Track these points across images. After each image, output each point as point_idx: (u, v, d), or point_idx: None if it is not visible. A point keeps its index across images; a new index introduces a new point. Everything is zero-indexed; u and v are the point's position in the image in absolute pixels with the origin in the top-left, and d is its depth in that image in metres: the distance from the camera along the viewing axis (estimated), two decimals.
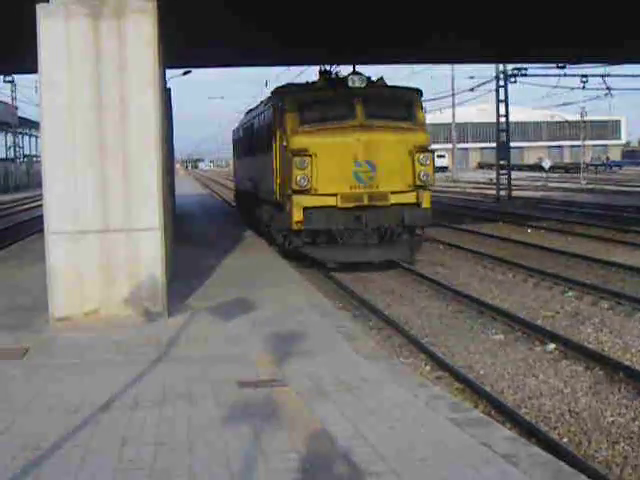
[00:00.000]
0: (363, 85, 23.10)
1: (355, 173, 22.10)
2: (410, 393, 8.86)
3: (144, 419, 8.13)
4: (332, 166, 21.82)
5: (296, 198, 21.85)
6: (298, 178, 21.68)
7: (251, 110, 35.55)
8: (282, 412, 8.21)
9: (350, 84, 22.99)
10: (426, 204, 22.68)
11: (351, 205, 22.06)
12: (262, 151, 27.59)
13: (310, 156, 21.79)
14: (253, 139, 31.63)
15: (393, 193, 22.39)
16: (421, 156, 22.63)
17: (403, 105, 24.08)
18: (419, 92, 24.74)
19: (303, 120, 22.83)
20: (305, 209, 21.76)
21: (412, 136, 23.04)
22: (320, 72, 25.57)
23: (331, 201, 21.97)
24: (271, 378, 9.51)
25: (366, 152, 22.15)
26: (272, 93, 26.55)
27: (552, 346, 13.86)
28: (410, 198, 22.54)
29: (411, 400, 8.62)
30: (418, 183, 22.50)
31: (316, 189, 21.84)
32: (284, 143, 22.87)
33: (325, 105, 23.42)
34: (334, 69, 25.75)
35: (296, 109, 23.03)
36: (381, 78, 24.80)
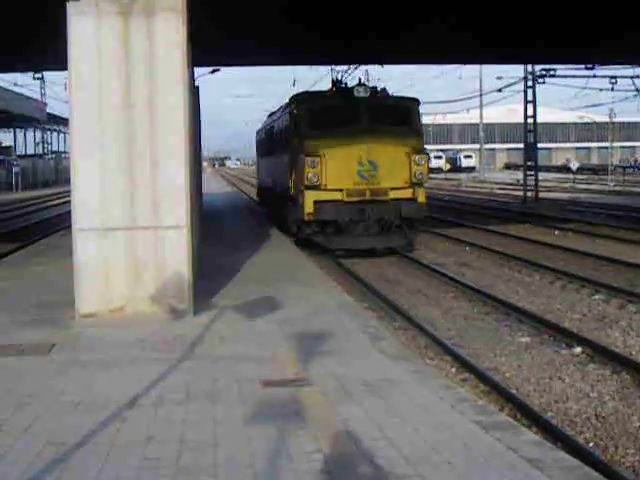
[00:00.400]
0: (367, 95, 26.57)
1: (359, 172, 25.44)
2: (435, 395, 8.83)
3: (169, 417, 8.14)
4: (339, 165, 25.24)
5: (307, 193, 25.23)
6: (309, 176, 25.10)
7: (272, 114, 40.16)
8: (307, 412, 8.20)
9: (356, 94, 26.50)
10: (421, 199, 26.17)
11: (355, 199, 25.39)
12: (280, 152, 31.44)
13: (320, 157, 25.13)
14: (273, 140, 35.75)
15: (392, 189, 25.67)
16: (417, 157, 26.04)
17: (402, 113, 27.42)
18: (417, 101, 28.36)
19: (314, 125, 26.29)
20: (315, 202, 25.11)
21: (409, 140, 26.45)
22: (333, 82, 29.51)
23: (338, 196, 25.36)
24: (296, 377, 9.50)
25: (369, 154, 25.48)
26: (290, 100, 30.03)
27: (579, 349, 13.81)
28: (407, 194, 25.92)
29: (437, 402, 8.58)
30: (414, 181, 25.90)
31: (325, 185, 25.14)
32: (298, 145, 26.39)
33: (334, 112, 26.53)
34: (348, 77, 30.24)
35: (309, 115, 26.74)
36: (384, 89, 28.65)
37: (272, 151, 35.81)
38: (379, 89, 28.20)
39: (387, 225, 25.89)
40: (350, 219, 25.26)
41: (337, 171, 25.24)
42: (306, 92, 32.78)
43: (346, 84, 28.98)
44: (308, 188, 25.20)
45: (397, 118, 27.14)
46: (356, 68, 31.47)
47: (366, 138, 25.57)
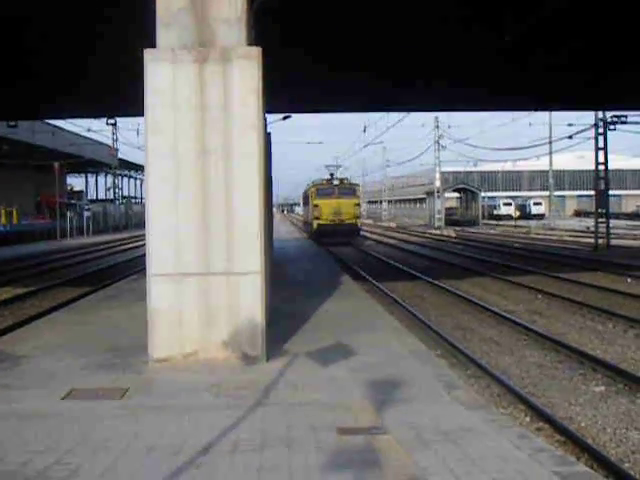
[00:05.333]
0: (337, 182, 67.26)
1: (334, 212, 63.91)
2: (512, 444, 8.69)
3: (244, 464, 8.08)
4: (326, 210, 64.09)
5: (315, 221, 65.08)
6: (315, 214, 65.17)
7: (305, 188, 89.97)
8: (383, 460, 8.11)
9: (334, 182, 67.11)
10: (359, 224, 66.89)
11: (333, 223, 63.58)
12: (306, 204, 79.52)
13: (319, 207, 64.71)
14: (305, 198, 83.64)
15: (348, 219, 64.04)
16: (357, 207, 67.05)
17: (351, 188, 67.55)
18: (358, 184, 74.41)
19: (317, 195, 66.16)
20: (318, 225, 64.41)
21: (354, 199, 66.18)
22: (330, 174, 73.30)
23: (327, 222, 63.66)
24: (371, 425, 9.42)
25: (338, 205, 64.07)
26: (309, 184, 78.38)
27: None
28: (354, 221, 64.95)
29: (513, 451, 8.44)
30: (357, 215, 66.11)
31: (320, 217, 64.42)
32: (312, 201, 66.90)
33: (325, 189, 66.36)
34: (338, 169, 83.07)
35: (315, 191, 67.09)
36: (346, 178, 76.17)
37: (305, 203, 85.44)
38: (343, 178, 72.66)
39: (346, 233, 63.59)
40: (331, 231, 63.31)
41: (325, 212, 64.49)
42: (317, 179, 76.16)
43: (332, 174, 73.23)
44: (315, 219, 65.37)
45: (349, 190, 66.93)
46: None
47: (336, 199, 64.75)
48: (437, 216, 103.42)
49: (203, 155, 12.94)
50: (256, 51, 13.15)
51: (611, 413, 13.08)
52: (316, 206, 65.19)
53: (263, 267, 13.27)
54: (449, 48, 24.48)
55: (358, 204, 67.74)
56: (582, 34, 24.02)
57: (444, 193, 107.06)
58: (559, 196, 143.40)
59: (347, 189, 66.69)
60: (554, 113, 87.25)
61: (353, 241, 63.38)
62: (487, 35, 22.96)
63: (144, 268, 13.76)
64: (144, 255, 13.65)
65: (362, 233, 72.37)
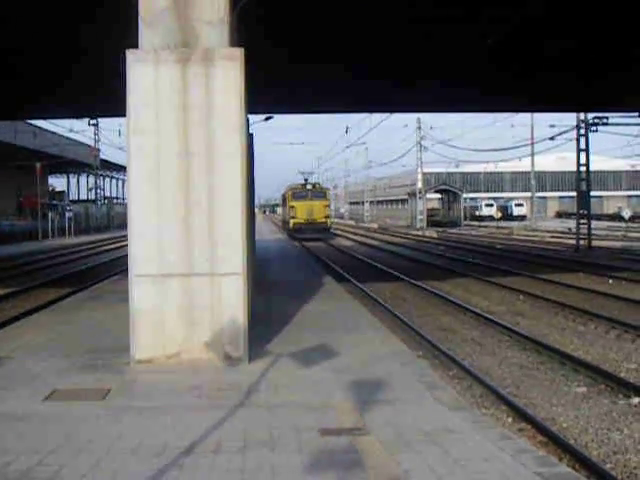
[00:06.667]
0: (311, 186, 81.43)
1: (307, 212, 77.89)
2: (494, 445, 8.71)
3: (227, 465, 8.08)
4: (301, 211, 78.22)
5: (291, 220, 79.22)
6: (292, 214, 79.19)
7: (283, 191, 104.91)
8: (366, 461, 8.12)
9: (307, 187, 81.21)
10: (330, 223, 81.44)
11: (306, 222, 77.31)
12: (284, 205, 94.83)
13: (294, 208, 78.70)
14: (284, 200, 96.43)
15: (319, 219, 78.03)
16: (327, 208, 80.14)
17: (322, 192, 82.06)
18: (328, 189, 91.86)
19: (293, 197, 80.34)
20: (294, 224, 78.30)
21: (325, 201, 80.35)
22: (304, 180, 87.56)
23: (301, 221, 77.94)
24: (353, 426, 9.43)
25: (311, 206, 78.12)
26: (286, 187, 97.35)
27: (636, 400, 13.64)
28: (325, 220, 78.86)
29: (496, 452, 8.46)
30: (327, 215, 79.65)
31: (296, 217, 78.42)
32: (288, 203, 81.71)
33: (300, 192, 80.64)
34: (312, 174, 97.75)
35: (292, 194, 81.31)
36: (318, 183, 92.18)
37: (283, 205, 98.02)
38: (315, 183, 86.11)
39: (318, 230, 76.45)
40: (306, 228, 76.41)
41: (300, 212, 78.16)
42: (293, 184, 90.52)
43: (306, 180, 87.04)
44: (292, 218, 79.04)
45: (320, 193, 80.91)
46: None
47: (310, 201, 78.52)
48: (419, 217, 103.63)
49: (185, 156, 12.93)
50: (239, 52, 13.15)
51: (593, 414, 13.12)
52: (292, 207, 79.44)
53: (246, 268, 13.28)
54: (433, 49, 24.54)
55: (328, 205, 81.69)
56: (566, 36, 24.11)
57: (426, 194, 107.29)
58: (541, 197, 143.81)
59: (319, 192, 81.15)
60: (536, 114, 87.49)
61: (324, 237, 77.24)
62: (470, 36, 22.99)
63: (126, 269, 13.74)
64: (126, 256, 13.63)
65: (345, 235, 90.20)
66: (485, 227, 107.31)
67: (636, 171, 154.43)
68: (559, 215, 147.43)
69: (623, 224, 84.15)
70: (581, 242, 54.01)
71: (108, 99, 22.90)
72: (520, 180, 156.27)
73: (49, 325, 18.02)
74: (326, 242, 73.10)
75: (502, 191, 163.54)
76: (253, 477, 7.73)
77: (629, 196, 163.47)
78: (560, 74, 29.44)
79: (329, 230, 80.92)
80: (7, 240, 64.71)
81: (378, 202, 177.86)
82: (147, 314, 12.97)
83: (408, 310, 25.08)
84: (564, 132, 65.17)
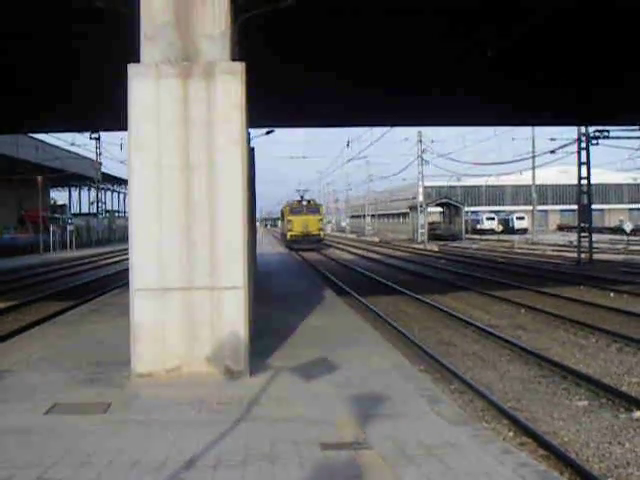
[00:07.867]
0: (306, 202, 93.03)
1: (303, 226, 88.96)
2: (495, 459, 8.69)
3: (227, 479, 8.07)
4: (297, 224, 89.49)
5: (289, 232, 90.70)
6: (289, 227, 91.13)
7: (282, 207, 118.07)
8: (367, 475, 8.10)
9: (303, 202, 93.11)
10: (323, 235, 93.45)
11: (302, 235, 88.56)
12: (282, 220, 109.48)
13: (291, 221, 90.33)
14: (282, 215, 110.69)
15: (313, 231, 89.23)
16: (321, 222, 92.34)
17: (316, 208, 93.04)
18: (321, 205, 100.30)
19: (290, 212, 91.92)
20: (291, 236, 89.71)
21: (319, 216, 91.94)
22: (300, 197, 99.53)
23: (297, 233, 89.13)
24: (354, 440, 9.41)
25: (306, 221, 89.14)
26: (285, 203, 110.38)
27: (638, 414, 13.62)
28: (318, 232, 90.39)
29: (497, 467, 8.44)
30: (321, 228, 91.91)
31: (292, 230, 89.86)
32: (286, 218, 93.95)
33: (297, 208, 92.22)
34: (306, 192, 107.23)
35: (289, 209, 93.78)
36: (313, 199, 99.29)
37: (282, 219, 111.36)
38: (310, 200, 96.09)
39: (312, 242, 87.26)
40: (302, 240, 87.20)
41: (296, 226, 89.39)
42: (291, 200, 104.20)
43: (302, 196, 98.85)
44: (289, 231, 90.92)
45: (315, 209, 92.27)
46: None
47: (305, 215, 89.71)
48: (420, 231, 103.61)
49: (187, 170, 12.92)
50: (240, 66, 13.17)
51: (594, 428, 13.10)
52: (289, 221, 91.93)
53: (247, 282, 13.27)
54: (435, 63, 24.54)
55: (321, 219, 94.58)
56: (565, 52, 24.17)
57: (427, 208, 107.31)
58: (542, 210, 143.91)
59: (313, 208, 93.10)
60: (536, 128, 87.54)
61: (317, 247, 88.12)
62: (470, 50, 23.01)
63: (127, 282, 13.73)
64: (127, 269, 13.63)
65: (346, 249, 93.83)
66: (486, 240, 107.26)
67: (638, 184, 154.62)
68: (560, 228, 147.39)
69: (625, 237, 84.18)
70: (582, 255, 53.98)
71: (109, 113, 22.97)
72: (521, 193, 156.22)
73: (50, 338, 18.01)
74: (326, 256, 74.66)
75: (503, 204, 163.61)
76: None
77: (630, 209, 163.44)
78: (560, 89, 29.52)
79: (322, 241, 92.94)
80: (9, 253, 64.77)
81: (379, 215, 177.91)
82: (148, 328, 12.94)
83: (409, 324, 25.05)
84: (565, 145, 65.18)
